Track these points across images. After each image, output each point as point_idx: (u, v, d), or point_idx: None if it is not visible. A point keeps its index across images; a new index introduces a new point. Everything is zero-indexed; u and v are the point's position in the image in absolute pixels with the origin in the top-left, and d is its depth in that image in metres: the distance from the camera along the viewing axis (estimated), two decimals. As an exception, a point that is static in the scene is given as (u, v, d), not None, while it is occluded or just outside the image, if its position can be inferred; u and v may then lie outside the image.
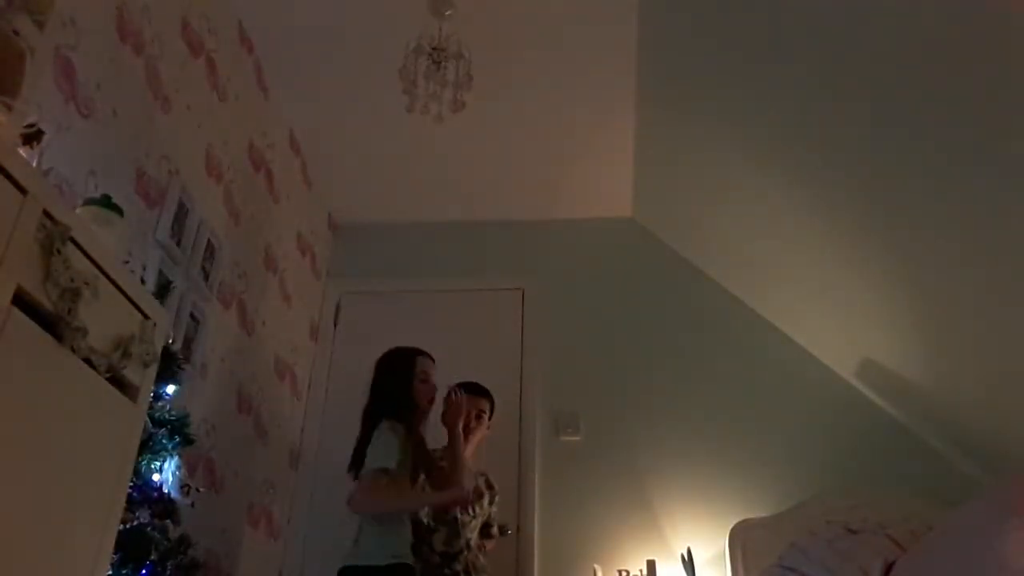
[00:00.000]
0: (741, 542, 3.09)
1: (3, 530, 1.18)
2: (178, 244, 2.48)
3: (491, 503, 2.81)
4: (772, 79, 2.62)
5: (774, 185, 3.05)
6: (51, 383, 1.30)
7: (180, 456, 2.00)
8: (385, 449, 2.49)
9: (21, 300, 1.19)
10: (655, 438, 3.52)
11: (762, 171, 3.04)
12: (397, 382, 2.67)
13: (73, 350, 1.32)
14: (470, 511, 2.70)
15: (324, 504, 3.42)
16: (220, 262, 2.81)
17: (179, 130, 2.54)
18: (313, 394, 3.80)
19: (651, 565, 3.09)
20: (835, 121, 2.49)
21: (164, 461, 1.86)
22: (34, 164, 1.42)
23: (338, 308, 4.03)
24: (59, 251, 1.25)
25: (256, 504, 3.17)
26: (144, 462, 1.78)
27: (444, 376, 2.83)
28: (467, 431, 2.88)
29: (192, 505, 2.21)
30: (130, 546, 1.67)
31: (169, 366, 1.91)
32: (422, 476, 2.60)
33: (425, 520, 2.74)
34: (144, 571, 1.71)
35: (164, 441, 1.84)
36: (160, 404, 1.88)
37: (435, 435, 2.80)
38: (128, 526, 1.69)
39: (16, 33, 1.33)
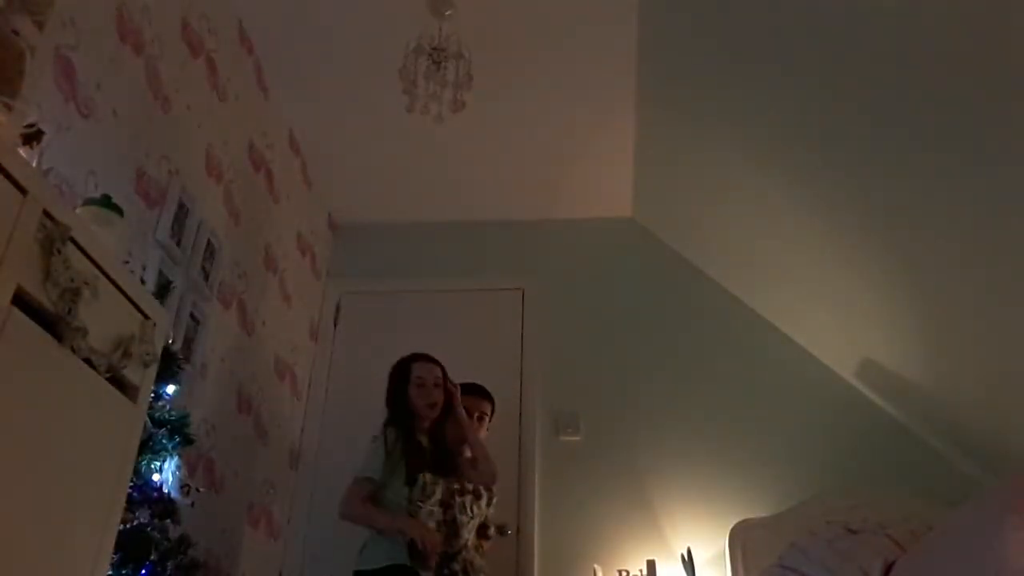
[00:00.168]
0: (741, 542, 3.09)
1: (3, 530, 1.18)
2: (178, 244, 2.48)
3: (488, 504, 2.82)
4: (772, 79, 2.62)
5: (774, 185, 3.05)
6: (51, 383, 1.30)
7: (180, 456, 2.00)
8: (370, 458, 2.67)
9: (21, 300, 1.19)
10: (655, 438, 3.52)
11: (762, 171, 3.04)
12: (394, 390, 2.83)
13: (73, 350, 1.32)
14: (469, 511, 2.71)
15: (324, 504, 3.41)
16: (220, 262, 2.81)
17: (179, 130, 2.54)
18: (313, 394, 3.80)
19: (651, 565, 3.09)
20: (835, 121, 2.49)
21: (164, 461, 1.86)
22: (34, 164, 1.42)
23: (338, 308, 4.03)
24: (59, 251, 1.25)
25: (256, 504, 3.17)
26: (144, 462, 1.78)
27: (444, 376, 2.85)
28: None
29: (192, 505, 2.21)
30: (130, 546, 1.68)
31: (169, 366, 1.91)
32: (427, 476, 2.63)
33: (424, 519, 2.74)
34: (144, 571, 1.71)
35: (164, 441, 1.85)
36: (160, 404, 1.88)
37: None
38: (128, 526, 1.69)
39: (16, 33, 1.33)
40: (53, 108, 1.84)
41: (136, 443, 1.64)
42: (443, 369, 2.88)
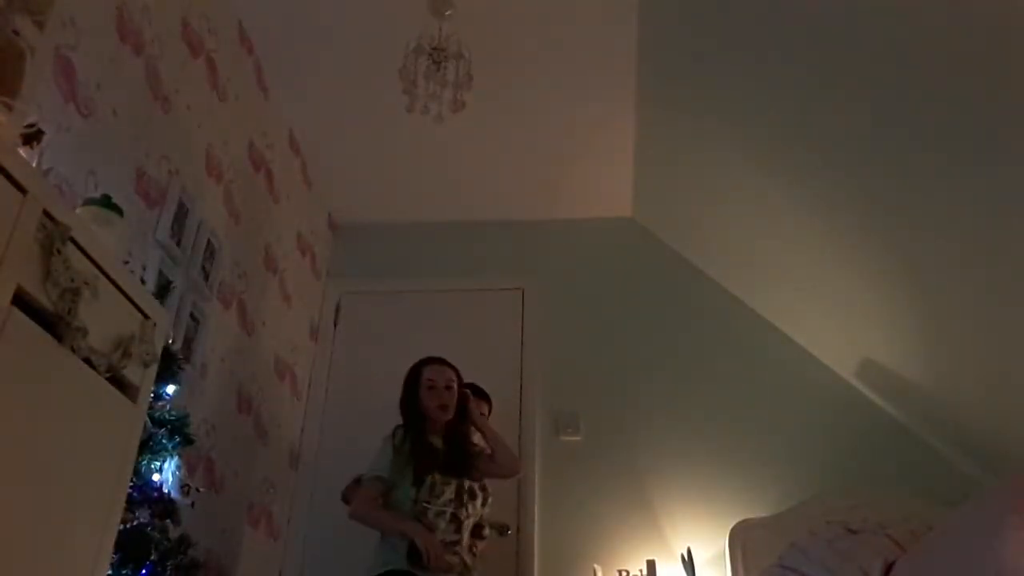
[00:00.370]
0: (741, 542, 3.09)
1: (3, 530, 1.18)
2: (178, 244, 2.48)
3: (483, 505, 2.82)
4: (772, 79, 2.62)
5: (774, 185, 3.05)
6: (51, 383, 1.30)
7: (180, 456, 2.00)
8: (379, 458, 2.71)
9: (21, 300, 1.19)
10: (655, 438, 3.52)
11: (762, 171, 3.04)
12: (406, 393, 2.85)
13: (73, 350, 1.32)
14: (466, 509, 2.71)
15: (324, 504, 3.41)
16: (220, 262, 2.81)
17: (179, 130, 2.54)
18: (313, 394, 3.80)
19: (651, 565, 3.09)
20: (835, 121, 2.49)
21: (164, 461, 1.86)
22: (34, 164, 1.42)
23: (338, 308, 4.03)
24: (59, 251, 1.25)
25: (256, 504, 3.17)
26: (144, 462, 1.78)
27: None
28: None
29: (192, 505, 2.21)
30: (130, 546, 1.68)
31: (169, 366, 1.91)
32: (436, 476, 2.64)
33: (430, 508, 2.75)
34: (144, 571, 1.71)
35: (164, 441, 1.85)
36: (160, 404, 1.88)
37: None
38: (128, 526, 1.69)
39: (16, 33, 1.33)
40: (53, 108, 1.84)
41: (136, 443, 1.64)
42: (457, 372, 2.88)
